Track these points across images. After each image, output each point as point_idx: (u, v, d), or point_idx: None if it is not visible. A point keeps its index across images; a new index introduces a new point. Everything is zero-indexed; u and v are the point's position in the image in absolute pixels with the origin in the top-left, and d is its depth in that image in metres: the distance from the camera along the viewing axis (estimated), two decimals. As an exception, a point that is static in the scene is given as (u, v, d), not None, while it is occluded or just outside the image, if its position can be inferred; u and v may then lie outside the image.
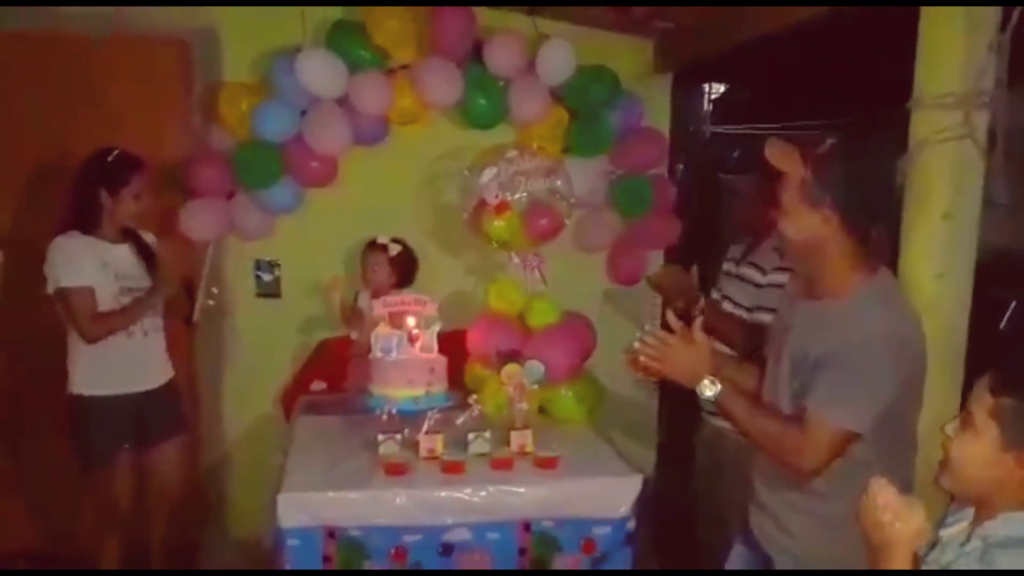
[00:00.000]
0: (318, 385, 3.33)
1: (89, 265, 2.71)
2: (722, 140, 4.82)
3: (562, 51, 3.26)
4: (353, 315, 3.19)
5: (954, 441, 1.32)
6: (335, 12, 3.31)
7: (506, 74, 3.31)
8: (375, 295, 2.99)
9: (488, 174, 3.02)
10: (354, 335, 3.13)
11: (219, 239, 3.32)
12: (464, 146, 3.45)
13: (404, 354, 2.57)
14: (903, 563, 1.28)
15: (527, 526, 2.37)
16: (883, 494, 1.31)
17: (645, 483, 2.46)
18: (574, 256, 3.57)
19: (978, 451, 1.29)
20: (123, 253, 2.83)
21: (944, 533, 1.36)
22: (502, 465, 2.45)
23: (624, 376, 3.27)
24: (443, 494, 2.33)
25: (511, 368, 2.65)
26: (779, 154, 1.75)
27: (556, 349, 2.89)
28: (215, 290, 3.09)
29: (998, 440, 1.27)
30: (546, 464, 2.46)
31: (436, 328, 2.64)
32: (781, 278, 2.36)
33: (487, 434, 2.55)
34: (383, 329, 2.60)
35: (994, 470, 1.28)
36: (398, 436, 2.50)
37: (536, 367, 2.69)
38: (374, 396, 2.54)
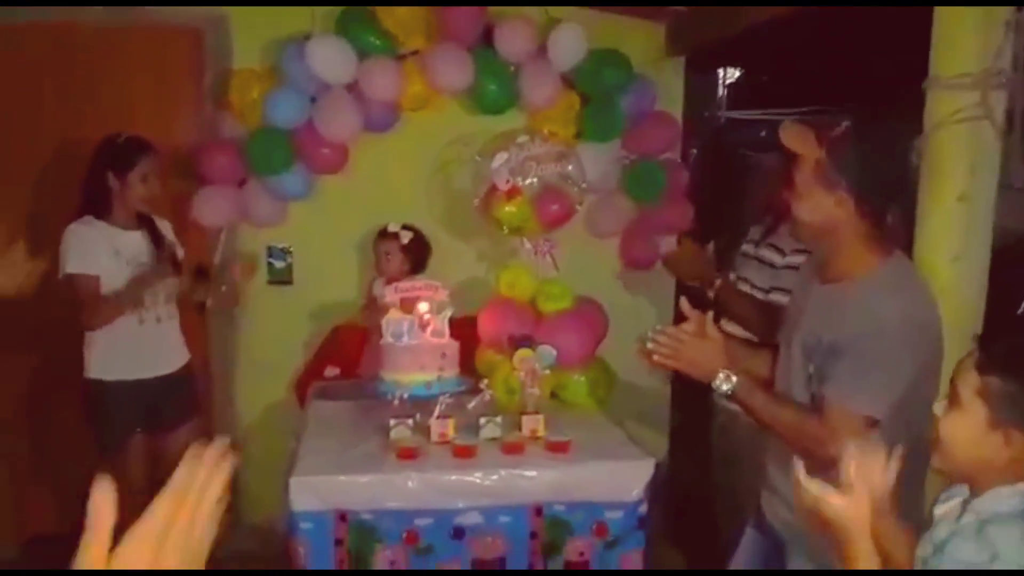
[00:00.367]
0: (331, 371, 3.34)
1: (100, 251, 2.73)
2: (737, 122, 4.79)
3: (573, 35, 3.24)
4: (368, 302, 3.20)
5: (942, 420, 1.31)
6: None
7: (517, 59, 3.29)
8: (388, 282, 2.99)
9: (499, 159, 3.01)
10: (367, 322, 3.14)
11: (231, 226, 3.33)
12: (475, 132, 3.44)
13: (415, 339, 2.57)
14: (862, 541, 1.27)
15: (539, 510, 2.38)
16: (808, 485, 1.31)
17: (657, 468, 2.46)
18: (586, 241, 3.56)
19: (966, 430, 1.28)
20: (135, 239, 2.84)
21: (938, 510, 1.36)
22: (513, 449, 2.46)
23: (636, 362, 3.30)
24: (454, 478, 2.34)
25: (523, 353, 2.65)
26: (794, 136, 1.73)
27: (568, 334, 2.88)
28: (230, 276, 3.11)
29: (986, 419, 1.26)
30: (558, 448, 2.47)
31: (448, 313, 2.64)
32: (799, 260, 2.35)
33: (498, 419, 2.55)
34: (394, 314, 2.60)
35: (983, 449, 1.27)
36: (410, 421, 2.51)
37: (548, 352, 2.68)
38: (386, 381, 2.54)
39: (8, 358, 3.44)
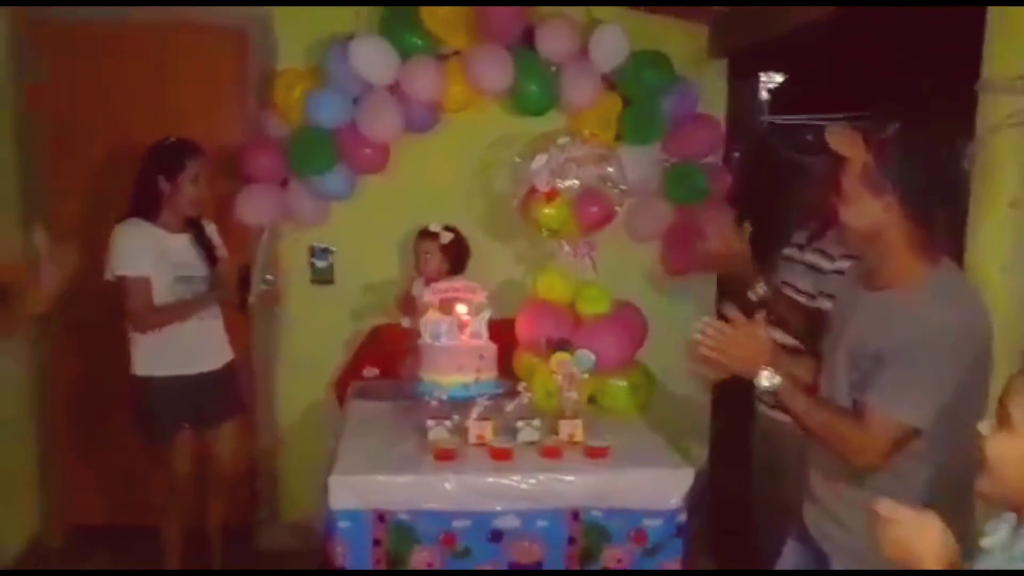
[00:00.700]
0: (370, 371, 3.36)
1: (146, 254, 2.78)
2: (781, 125, 4.72)
3: (615, 36, 3.21)
4: (406, 302, 3.22)
5: (989, 441, 1.23)
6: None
7: (558, 59, 3.28)
8: (427, 283, 3.00)
9: (539, 161, 3.00)
10: (406, 323, 3.15)
11: (273, 225, 3.37)
12: (515, 133, 3.44)
13: (453, 340, 2.59)
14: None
15: (576, 515, 2.37)
16: (893, 511, 1.27)
17: (697, 476, 2.43)
18: (626, 245, 3.53)
19: (1015, 452, 1.20)
20: (181, 242, 2.89)
21: (986, 543, 1.27)
22: (551, 453, 2.45)
23: (676, 368, 3.28)
24: (492, 480, 2.34)
25: (561, 356, 2.64)
26: (841, 139, 1.70)
27: (607, 338, 2.86)
28: (270, 276, 3.14)
29: None
30: (596, 454, 2.45)
31: (486, 315, 2.65)
32: (846, 265, 2.30)
33: (536, 422, 2.55)
34: (433, 315, 2.62)
35: None
36: (447, 422, 2.51)
37: (586, 356, 2.67)
38: (424, 382, 2.55)
39: (56, 353, 3.53)
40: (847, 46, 3.51)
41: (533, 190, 3.07)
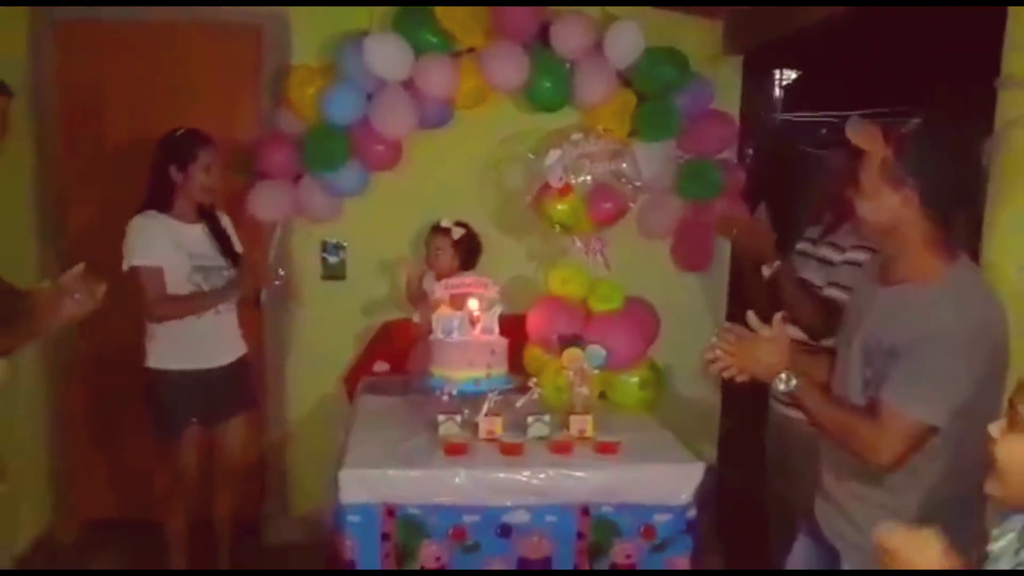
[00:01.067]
0: (381, 366, 3.36)
1: (162, 244, 2.79)
2: (796, 122, 4.70)
3: (630, 32, 3.20)
4: (418, 296, 3.22)
5: (999, 443, 1.22)
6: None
7: (572, 56, 3.27)
8: (438, 278, 3.00)
9: (552, 156, 3.00)
10: (416, 317, 3.16)
11: (286, 221, 3.38)
12: (529, 129, 3.44)
13: (465, 335, 2.58)
14: None
15: (586, 510, 2.36)
16: (890, 538, 1.26)
17: (707, 471, 2.42)
18: (638, 241, 3.52)
19: None
20: (197, 233, 2.90)
21: (993, 548, 1.25)
22: (561, 449, 2.44)
23: (687, 365, 3.27)
24: (502, 475, 2.33)
25: (572, 352, 2.63)
26: (861, 133, 1.69)
27: (618, 335, 2.85)
28: (282, 271, 3.16)
29: None
30: (606, 449, 2.44)
31: (497, 310, 2.64)
32: (857, 256, 2.29)
33: (546, 417, 2.54)
34: (444, 310, 2.62)
35: None
36: (458, 417, 2.51)
37: (598, 352, 2.66)
38: (435, 376, 2.55)
39: (70, 348, 3.55)
40: (862, 43, 3.49)
41: (546, 186, 3.07)
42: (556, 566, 2.37)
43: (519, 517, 2.34)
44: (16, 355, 2.28)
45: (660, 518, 2.36)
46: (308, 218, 3.48)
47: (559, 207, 3.02)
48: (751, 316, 1.83)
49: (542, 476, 2.33)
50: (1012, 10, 1.98)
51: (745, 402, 2.95)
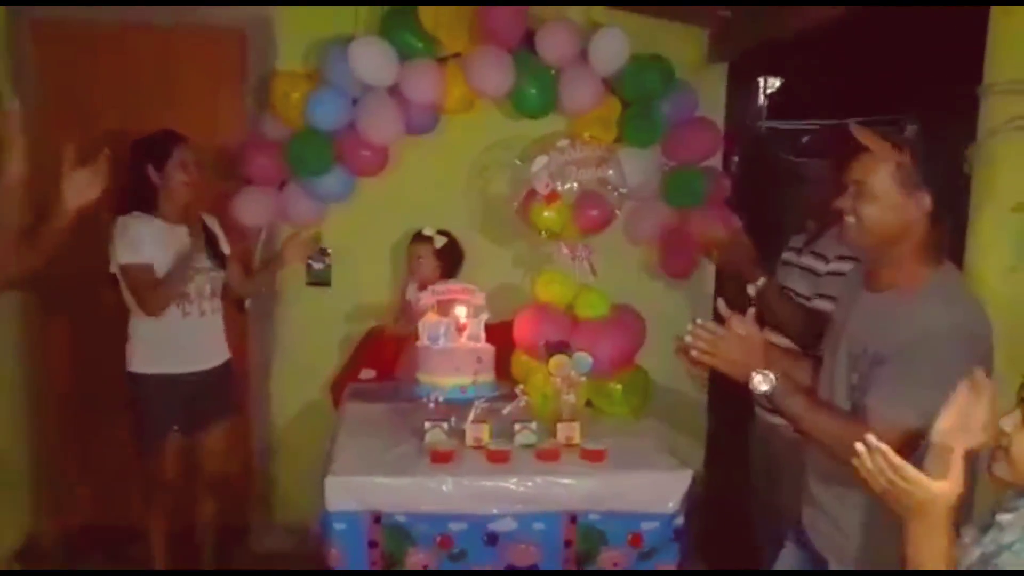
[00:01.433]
0: (367, 373, 3.34)
1: (148, 243, 2.78)
2: (780, 129, 4.74)
3: (615, 40, 3.21)
4: (401, 307, 3.21)
5: (1013, 437, 1.27)
6: None
7: (558, 63, 3.27)
8: (421, 287, 2.99)
9: (539, 163, 3.00)
10: (399, 327, 3.15)
11: (271, 227, 3.36)
12: (515, 136, 3.44)
13: (451, 342, 2.58)
14: (939, 524, 1.28)
15: (573, 518, 2.35)
16: (876, 457, 1.33)
17: (694, 479, 2.42)
18: (624, 248, 3.53)
19: None
20: (182, 234, 2.88)
21: (1002, 518, 1.30)
22: (548, 456, 2.44)
23: (674, 371, 3.27)
24: (489, 483, 2.32)
25: (559, 359, 2.63)
26: (871, 137, 1.69)
27: (605, 342, 2.85)
28: (328, 248, 3.13)
29: None
30: (593, 457, 2.44)
31: (483, 317, 2.64)
32: (843, 266, 2.30)
33: (533, 425, 2.53)
34: (431, 317, 2.61)
35: None
36: (445, 424, 2.50)
37: (584, 359, 2.66)
38: (421, 384, 2.54)
39: (50, 352, 3.51)
40: (847, 51, 3.52)
41: (532, 193, 3.07)
42: (544, 574, 2.36)
43: (506, 525, 2.33)
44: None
45: (647, 526, 2.36)
46: (293, 224, 3.46)
47: (546, 214, 3.02)
48: (721, 304, 1.82)
49: (529, 484, 2.33)
50: (995, 19, 2.00)
51: (732, 407, 2.96)
